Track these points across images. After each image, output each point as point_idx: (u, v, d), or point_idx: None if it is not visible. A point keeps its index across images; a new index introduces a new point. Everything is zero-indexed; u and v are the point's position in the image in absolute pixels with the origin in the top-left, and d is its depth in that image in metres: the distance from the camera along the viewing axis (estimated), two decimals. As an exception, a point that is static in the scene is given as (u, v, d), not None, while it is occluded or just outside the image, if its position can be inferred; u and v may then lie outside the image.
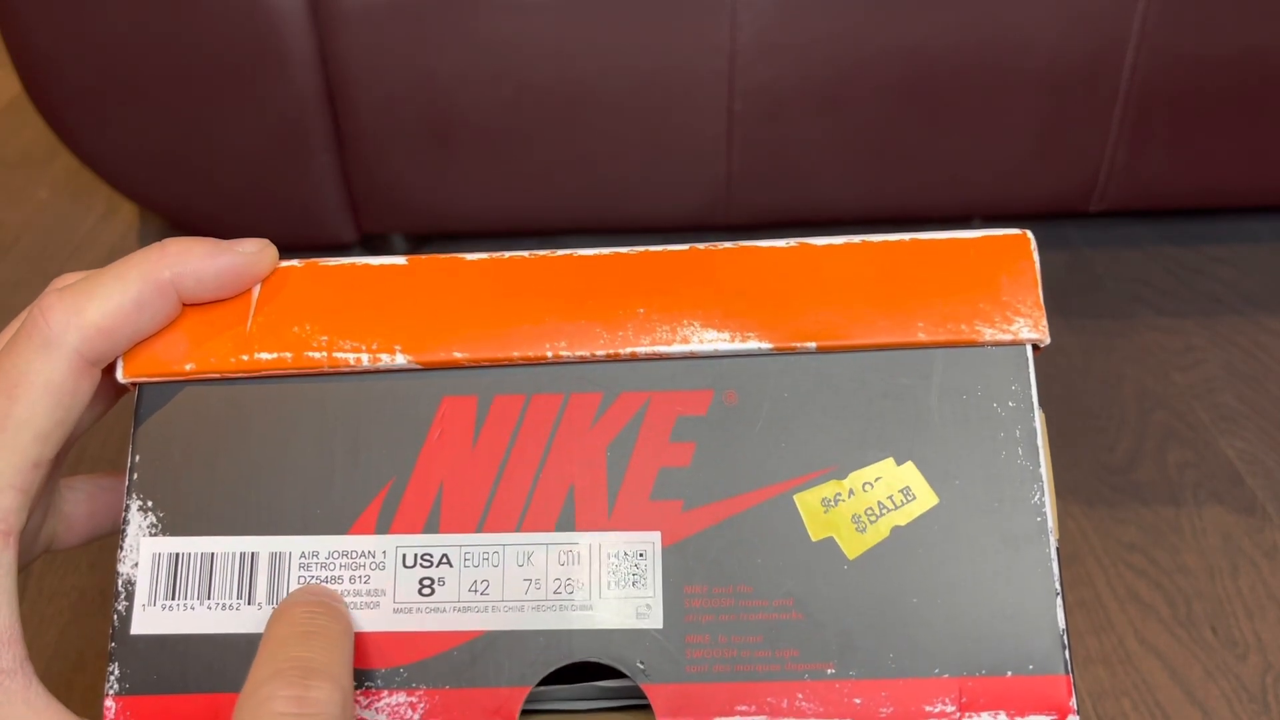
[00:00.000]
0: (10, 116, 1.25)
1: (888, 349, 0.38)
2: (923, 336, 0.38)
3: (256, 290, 0.39)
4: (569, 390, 0.38)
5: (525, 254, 0.40)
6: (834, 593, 0.36)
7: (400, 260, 0.40)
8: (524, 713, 0.37)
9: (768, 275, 0.39)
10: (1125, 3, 0.80)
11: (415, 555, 0.37)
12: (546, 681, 0.37)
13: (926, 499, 0.37)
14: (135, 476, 0.39)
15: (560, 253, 0.40)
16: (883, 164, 0.89)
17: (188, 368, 0.38)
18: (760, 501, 0.37)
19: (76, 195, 1.13)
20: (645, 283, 0.39)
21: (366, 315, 0.39)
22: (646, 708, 0.37)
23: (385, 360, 0.38)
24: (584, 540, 0.37)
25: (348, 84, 0.84)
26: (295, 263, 0.40)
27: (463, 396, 0.38)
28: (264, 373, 0.39)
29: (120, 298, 0.37)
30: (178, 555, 0.38)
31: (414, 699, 0.36)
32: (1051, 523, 0.37)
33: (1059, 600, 0.36)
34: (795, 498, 0.37)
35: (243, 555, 0.38)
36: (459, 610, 0.37)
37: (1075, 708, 0.35)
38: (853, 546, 0.37)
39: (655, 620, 0.36)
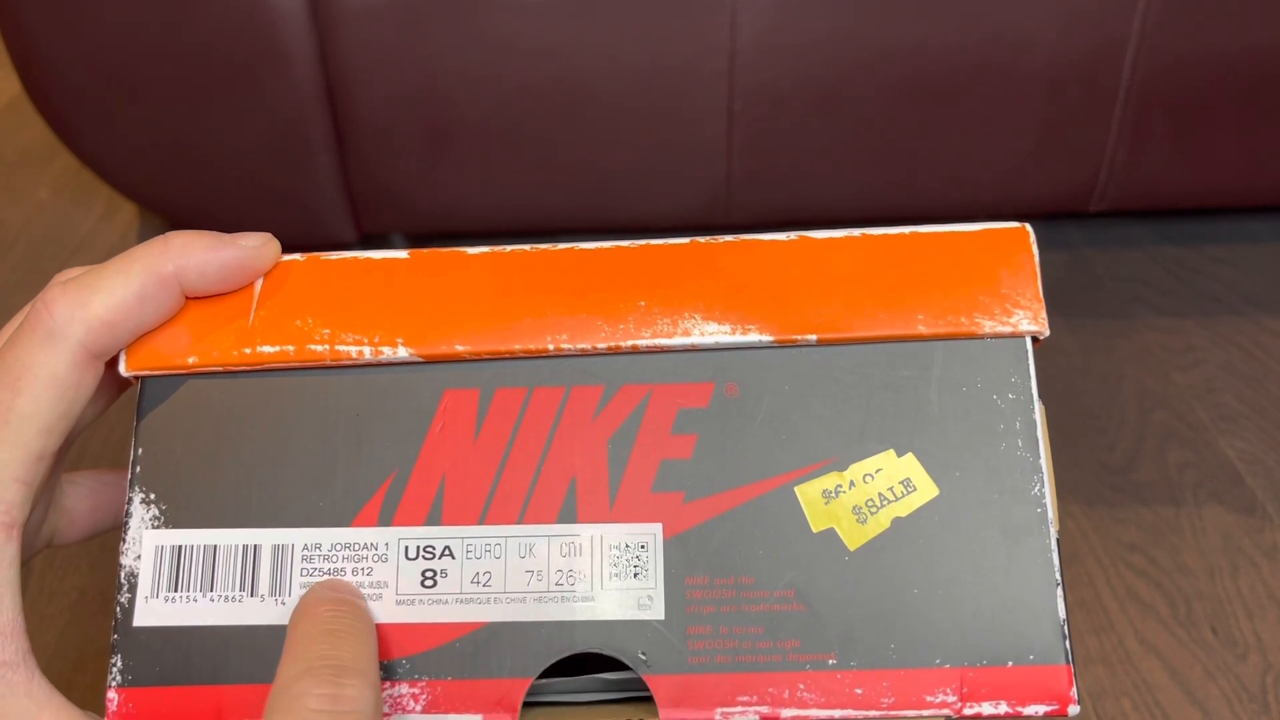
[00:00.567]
0: (10, 116, 1.25)
1: (888, 341, 0.38)
2: (923, 329, 0.38)
3: (259, 284, 0.39)
4: (570, 383, 0.38)
5: (526, 247, 0.40)
6: (835, 584, 0.36)
7: (402, 254, 0.40)
8: (526, 704, 0.37)
9: (768, 268, 0.39)
10: (1125, 3, 0.80)
11: (418, 547, 0.37)
12: (549, 673, 0.37)
13: (927, 490, 0.37)
14: (138, 469, 0.39)
15: (561, 246, 0.40)
16: (882, 164, 0.89)
17: (190, 361, 0.39)
18: (761, 493, 0.37)
19: (76, 195, 1.13)
20: (646, 275, 0.39)
21: (369, 308, 0.39)
22: (648, 699, 0.37)
23: (387, 353, 0.38)
24: (586, 532, 0.37)
25: (348, 84, 0.84)
26: (297, 257, 0.40)
27: (465, 389, 0.39)
28: (266, 366, 0.39)
29: (123, 291, 0.37)
30: (180, 548, 0.38)
31: (416, 690, 0.36)
32: (1051, 514, 0.37)
33: (1059, 590, 0.36)
34: (796, 489, 0.37)
35: (245, 547, 0.38)
36: (461, 602, 0.37)
37: (1076, 697, 0.35)
38: (854, 538, 0.37)
39: (657, 611, 0.36)
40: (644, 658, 0.36)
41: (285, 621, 0.37)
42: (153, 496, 0.38)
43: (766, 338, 0.38)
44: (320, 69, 0.84)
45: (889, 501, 0.37)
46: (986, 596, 0.36)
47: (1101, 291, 0.97)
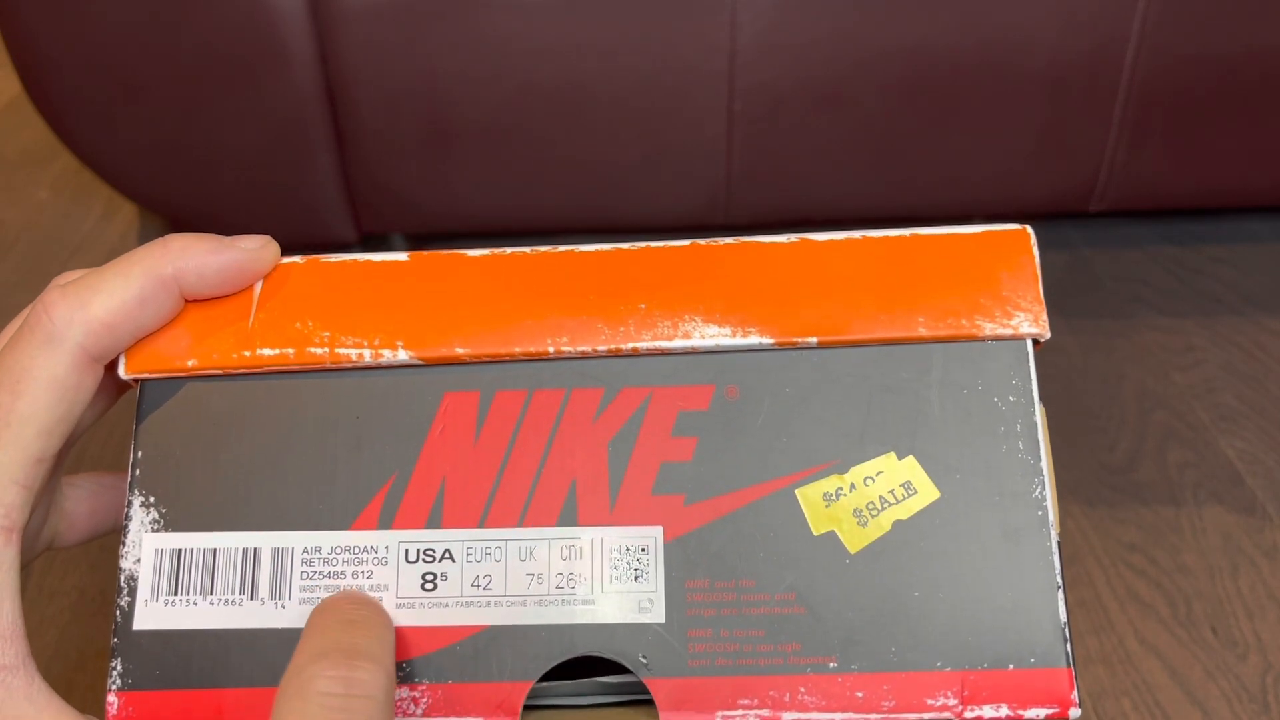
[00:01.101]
0: (10, 116, 1.25)
1: (888, 344, 0.38)
2: (923, 331, 0.38)
3: (258, 287, 0.39)
4: (570, 386, 0.38)
5: (526, 250, 0.40)
6: (836, 586, 0.36)
7: (402, 256, 0.40)
8: (527, 707, 0.37)
9: (769, 270, 0.39)
10: (1125, 3, 0.80)
11: (418, 550, 0.37)
12: (549, 676, 0.37)
13: (928, 493, 0.37)
14: (137, 473, 0.39)
15: (561, 248, 0.40)
16: (883, 164, 0.89)
17: (190, 364, 0.39)
18: (762, 496, 0.37)
19: (76, 195, 1.13)
20: (646, 278, 0.39)
21: (368, 311, 0.39)
22: (649, 702, 0.37)
23: (387, 356, 0.38)
24: (586, 535, 0.37)
25: (348, 84, 0.84)
26: (297, 259, 0.40)
27: (465, 392, 0.39)
28: (266, 369, 0.39)
29: (123, 293, 0.37)
30: (180, 551, 0.38)
31: (417, 693, 0.36)
32: (1052, 516, 0.37)
33: (1060, 593, 0.36)
34: (797, 492, 0.37)
35: (245, 551, 0.38)
36: (462, 605, 0.37)
37: (1077, 700, 0.35)
38: (854, 540, 0.37)
39: (657, 614, 0.36)
40: (644, 661, 0.36)
41: (285, 624, 0.37)
42: (152, 499, 0.38)
43: (767, 340, 0.38)
44: (320, 69, 0.84)
45: (890, 504, 0.37)
46: (987, 599, 0.36)
47: (1101, 291, 0.97)
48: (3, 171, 1.17)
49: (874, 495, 0.37)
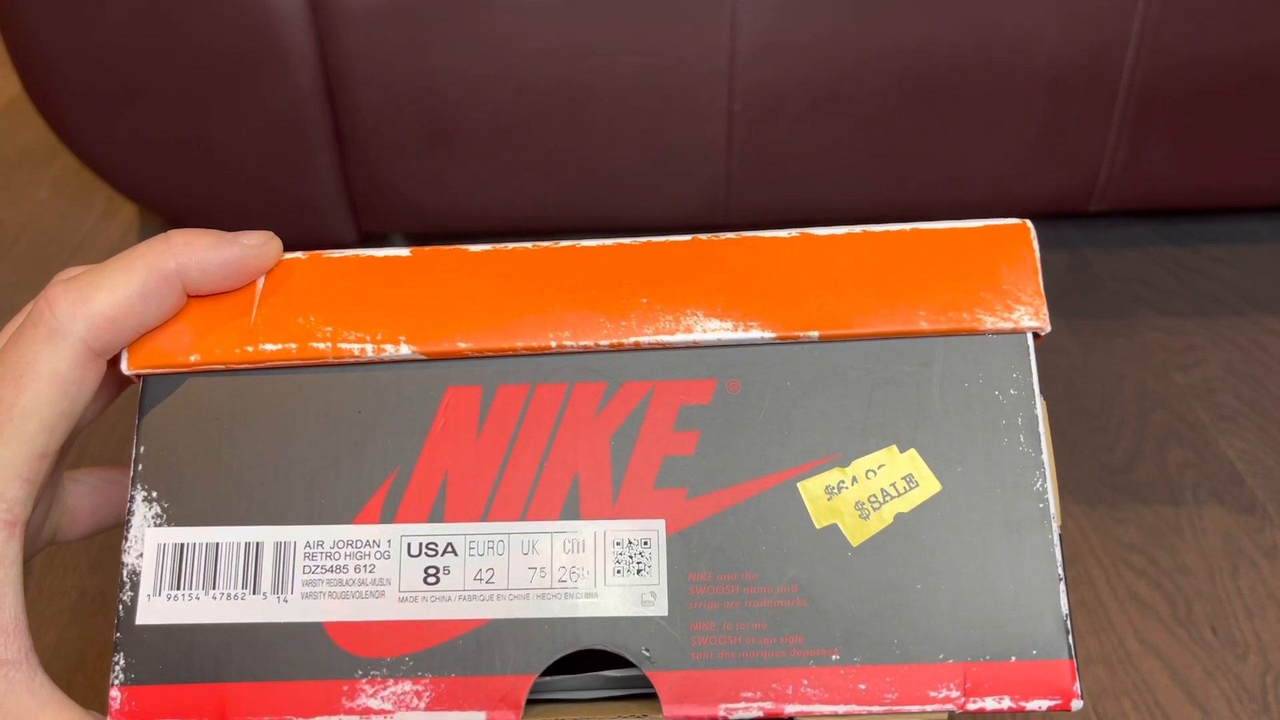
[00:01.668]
0: (10, 116, 1.25)
1: (889, 338, 0.38)
2: (924, 325, 0.38)
3: (261, 282, 0.39)
4: (573, 380, 0.38)
5: (528, 245, 0.40)
6: (838, 579, 0.36)
7: (404, 252, 0.40)
8: (529, 701, 0.37)
9: (770, 265, 0.39)
10: (1125, 3, 0.80)
11: (420, 544, 0.37)
12: (552, 670, 0.37)
13: (929, 486, 0.37)
14: (140, 467, 0.39)
15: (563, 244, 0.40)
16: (882, 164, 0.89)
17: (192, 359, 0.39)
18: (764, 489, 0.37)
19: (76, 195, 1.13)
20: (648, 273, 0.39)
21: (371, 306, 0.39)
22: (652, 696, 0.37)
23: (389, 351, 0.38)
24: (588, 528, 0.37)
25: (348, 84, 0.84)
26: (299, 255, 0.40)
27: (467, 386, 0.39)
28: (268, 364, 0.39)
29: (126, 289, 0.37)
30: (182, 545, 0.38)
31: (420, 687, 0.36)
32: (1053, 509, 0.37)
33: (1062, 585, 0.36)
34: (799, 485, 0.37)
35: (247, 545, 0.38)
36: (464, 599, 0.37)
37: (1079, 692, 0.35)
38: (856, 533, 0.37)
39: (660, 608, 0.37)
40: (647, 654, 0.36)
41: (288, 619, 0.37)
42: (155, 494, 0.38)
43: (768, 334, 0.38)
44: (320, 69, 0.84)
45: (891, 497, 0.37)
46: (989, 591, 0.36)
47: (1101, 291, 0.97)
48: (3, 171, 1.17)
49: (876, 488, 0.37)
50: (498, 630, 0.37)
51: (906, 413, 0.38)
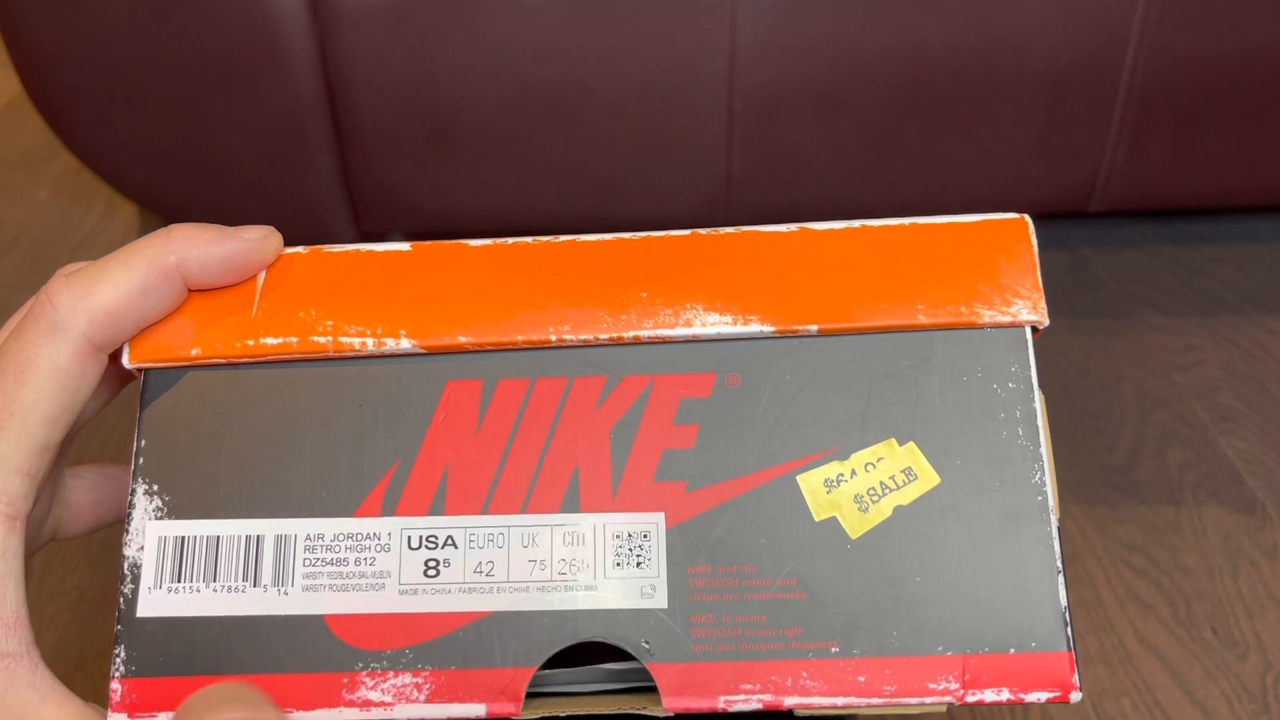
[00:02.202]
0: (10, 116, 1.25)
1: (888, 331, 0.38)
2: (923, 319, 0.38)
3: (262, 276, 0.40)
4: (573, 373, 0.39)
5: (528, 240, 0.40)
6: (837, 572, 0.37)
7: (404, 246, 0.40)
8: (529, 694, 0.37)
9: (769, 259, 0.39)
10: (1125, 3, 0.80)
11: (420, 537, 0.38)
12: (552, 663, 0.37)
13: (928, 479, 0.37)
14: (141, 461, 0.39)
15: (563, 238, 0.40)
16: (882, 164, 0.89)
17: (193, 353, 0.39)
18: (763, 483, 0.37)
19: (76, 195, 1.13)
20: (648, 267, 0.39)
21: (371, 300, 0.39)
22: (651, 689, 0.37)
23: (390, 345, 0.38)
24: (588, 521, 0.37)
25: (348, 84, 0.84)
26: (300, 249, 0.40)
27: (467, 380, 0.39)
28: (269, 357, 0.39)
29: (127, 283, 0.37)
30: (183, 538, 0.38)
31: (419, 680, 0.36)
32: (1052, 501, 0.37)
33: (1060, 578, 0.36)
34: (798, 478, 0.37)
35: (248, 538, 0.38)
36: (464, 591, 0.37)
37: (1078, 684, 0.35)
38: (855, 526, 0.37)
39: (660, 600, 0.37)
40: (647, 646, 0.36)
41: (288, 611, 0.37)
42: (156, 488, 0.38)
43: (768, 328, 0.38)
44: (320, 69, 0.84)
45: (890, 490, 0.37)
46: (988, 584, 0.36)
47: (1101, 291, 0.97)
48: (3, 171, 1.17)
49: (875, 481, 0.37)
50: (498, 623, 0.37)
51: (905, 406, 0.38)
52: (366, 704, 0.36)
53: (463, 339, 0.38)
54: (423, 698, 0.36)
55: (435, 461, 0.38)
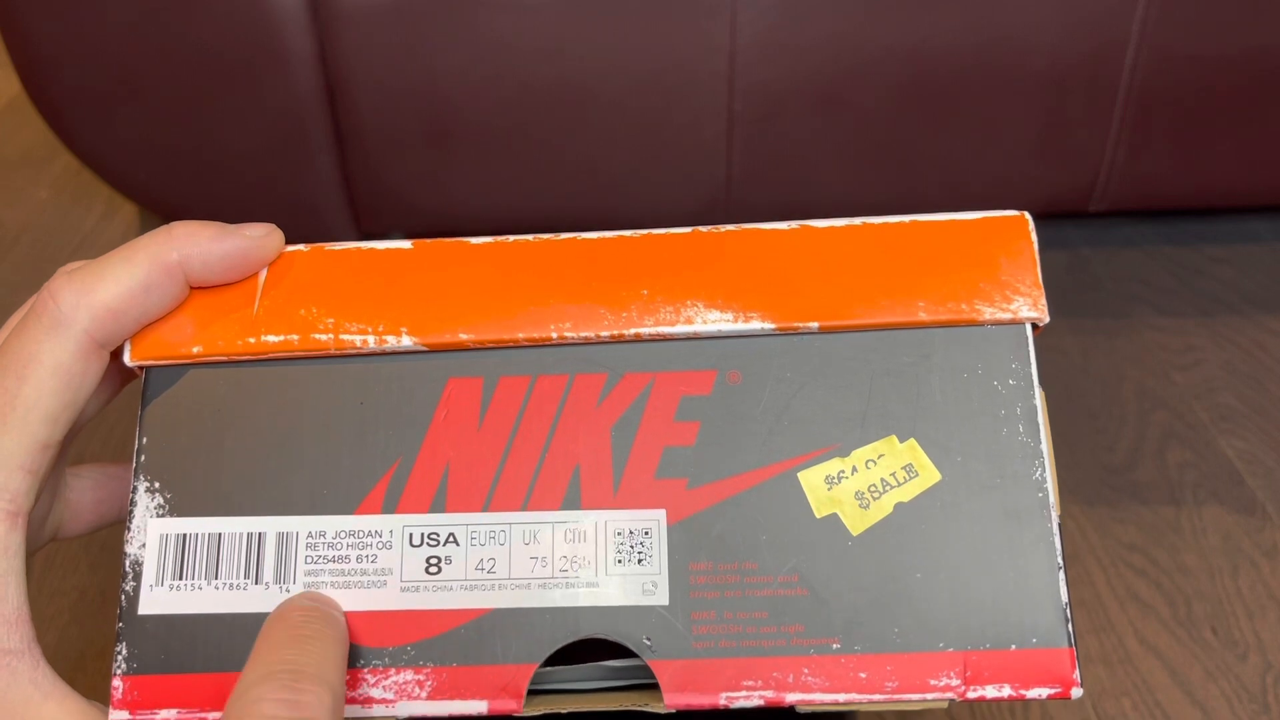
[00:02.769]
0: (10, 116, 1.25)
1: (889, 328, 0.38)
2: (923, 316, 0.38)
3: (263, 274, 0.40)
4: (574, 371, 0.39)
5: (529, 238, 0.40)
6: (838, 568, 0.37)
7: (405, 244, 0.40)
8: (531, 691, 0.37)
9: (770, 257, 0.39)
10: (1125, 3, 0.80)
11: (422, 534, 0.38)
12: (553, 660, 0.37)
13: (929, 475, 0.37)
14: (143, 458, 0.39)
15: (564, 236, 0.40)
16: (883, 165, 0.89)
17: (195, 350, 0.39)
18: (764, 479, 0.37)
19: (76, 195, 1.13)
20: (648, 264, 0.39)
21: (372, 298, 0.39)
22: (653, 686, 0.37)
23: (391, 342, 0.38)
24: (590, 518, 0.37)
25: (348, 84, 0.84)
26: (301, 247, 0.40)
27: (468, 378, 0.39)
28: (271, 355, 0.39)
29: (129, 280, 0.37)
30: (185, 536, 0.38)
31: (421, 677, 0.37)
32: (1053, 498, 0.37)
33: (1061, 574, 0.36)
34: (799, 475, 0.37)
35: (250, 536, 0.38)
36: (466, 588, 0.37)
37: (1079, 680, 0.35)
38: (856, 523, 0.37)
39: (661, 597, 0.37)
40: (649, 643, 0.36)
41: None
42: (157, 485, 0.38)
43: (769, 325, 0.38)
44: (320, 69, 0.84)
45: (891, 487, 0.37)
46: (989, 580, 0.36)
47: (1101, 291, 0.97)
48: (3, 171, 1.17)
49: (875, 478, 0.37)
50: (499, 620, 0.37)
51: (906, 403, 0.38)
52: (368, 701, 0.36)
53: (464, 336, 0.38)
54: (424, 695, 0.36)
55: (437, 459, 0.38)
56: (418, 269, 0.39)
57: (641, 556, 0.37)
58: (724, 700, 0.36)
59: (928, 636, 0.36)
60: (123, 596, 0.38)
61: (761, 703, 0.36)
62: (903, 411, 0.38)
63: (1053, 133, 0.87)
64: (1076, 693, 0.35)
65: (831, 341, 0.38)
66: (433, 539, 0.38)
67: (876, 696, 0.36)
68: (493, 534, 0.37)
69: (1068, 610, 0.36)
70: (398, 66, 0.83)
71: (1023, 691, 0.35)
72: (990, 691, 0.35)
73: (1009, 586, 0.36)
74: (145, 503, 0.38)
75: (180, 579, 0.38)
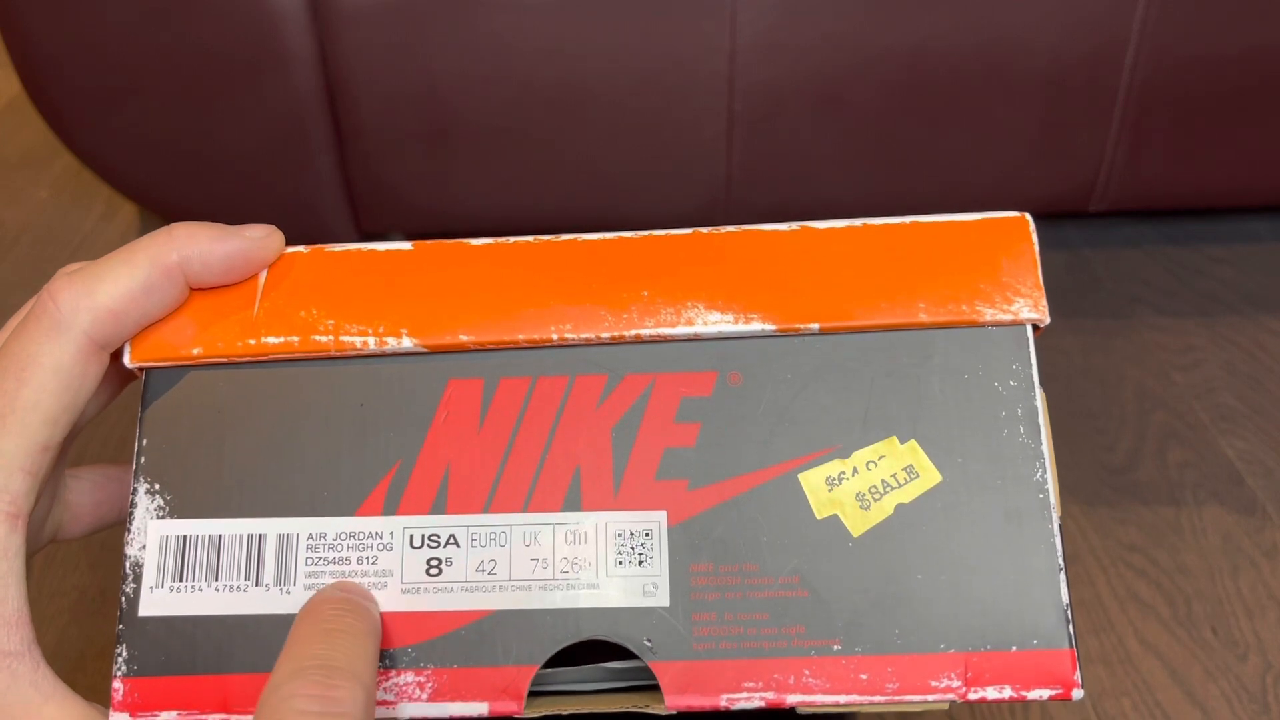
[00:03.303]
0: (10, 116, 1.25)
1: (890, 330, 0.38)
2: (924, 317, 0.38)
3: (263, 275, 0.40)
4: (574, 372, 0.39)
5: (529, 239, 0.40)
6: (839, 570, 0.37)
7: (405, 245, 0.40)
8: (532, 693, 0.37)
9: (770, 258, 0.39)
10: (1125, 3, 0.80)
11: (422, 536, 0.38)
12: (554, 662, 0.37)
13: (930, 477, 0.37)
14: (143, 460, 0.39)
15: (564, 237, 0.40)
16: (883, 164, 0.89)
17: (195, 352, 0.39)
18: (765, 481, 0.37)
19: (76, 195, 1.13)
20: (649, 266, 0.39)
21: (373, 299, 0.39)
22: (653, 687, 0.37)
23: (392, 344, 0.38)
24: (590, 520, 0.37)
25: (348, 84, 0.84)
26: (301, 249, 0.40)
27: (469, 379, 0.39)
28: (271, 357, 0.39)
29: (129, 281, 0.37)
30: (185, 538, 0.38)
31: (422, 678, 0.37)
32: (1053, 499, 0.37)
33: (1062, 575, 0.36)
34: (799, 476, 0.37)
35: (250, 537, 0.38)
36: (466, 590, 0.37)
37: (1080, 681, 0.35)
38: (857, 524, 0.37)
39: (662, 598, 0.37)
40: (649, 645, 0.36)
41: (290, 611, 0.37)
42: (158, 487, 0.38)
43: (769, 327, 0.38)
44: (320, 69, 0.84)
45: (892, 488, 0.37)
46: (990, 581, 0.36)
47: (1101, 291, 0.97)
48: (3, 171, 1.16)
49: (876, 479, 0.37)
50: (500, 621, 0.37)
51: (907, 404, 0.38)
52: None
53: (464, 338, 0.38)
54: (425, 696, 0.36)
55: (437, 460, 0.38)
56: (418, 270, 0.39)
57: (642, 558, 0.37)
58: (725, 702, 0.36)
59: (928, 638, 0.36)
60: (123, 598, 0.38)
61: (762, 704, 0.36)
62: (903, 413, 0.38)
63: (1052, 133, 0.87)
64: (1077, 694, 0.35)
65: (832, 343, 0.38)
66: (433, 540, 0.38)
67: (877, 698, 0.36)
68: (493, 535, 0.37)
69: (1068, 611, 0.36)
70: (398, 66, 0.83)
71: (1023, 693, 0.35)
72: (991, 693, 0.35)
73: (1010, 588, 0.36)
74: (145, 504, 0.38)
75: (180, 581, 0.38)
